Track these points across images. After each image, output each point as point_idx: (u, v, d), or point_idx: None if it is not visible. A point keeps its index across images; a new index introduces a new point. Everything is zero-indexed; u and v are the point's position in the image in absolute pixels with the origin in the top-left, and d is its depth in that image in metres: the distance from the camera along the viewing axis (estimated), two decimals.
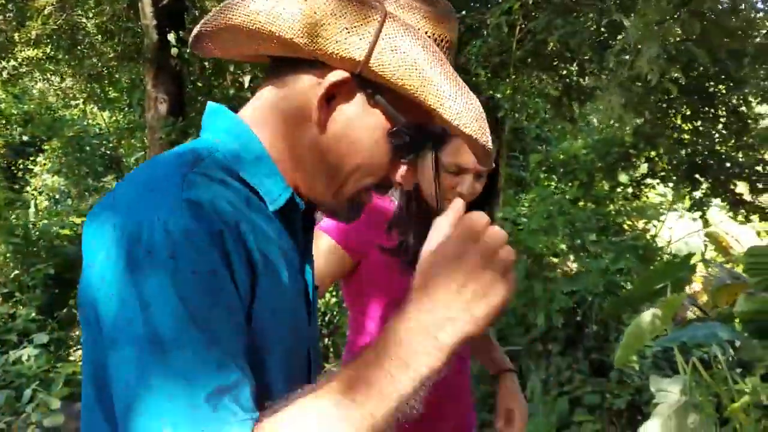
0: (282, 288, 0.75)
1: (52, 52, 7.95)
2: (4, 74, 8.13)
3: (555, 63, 5.91)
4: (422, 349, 0.64)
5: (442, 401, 1.50)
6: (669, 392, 2.31)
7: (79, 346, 4.81)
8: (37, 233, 5.74)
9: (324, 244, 1.47)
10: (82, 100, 9.07)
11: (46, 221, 6.25)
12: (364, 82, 0.74)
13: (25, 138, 10.81)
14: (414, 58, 0.70)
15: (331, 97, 0.75)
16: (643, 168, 5.93)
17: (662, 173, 5.58)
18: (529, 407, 3.83)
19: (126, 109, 9.19)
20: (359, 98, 0.75)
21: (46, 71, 8.42)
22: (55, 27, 7.01)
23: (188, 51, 6.57)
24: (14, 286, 5.01)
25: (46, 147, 9.99)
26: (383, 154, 0.77)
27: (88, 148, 9.35)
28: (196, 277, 0.63)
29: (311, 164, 0.79)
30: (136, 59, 7.23)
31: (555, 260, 4.58)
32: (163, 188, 0.67)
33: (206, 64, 7.06)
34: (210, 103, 0.83)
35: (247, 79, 6.73)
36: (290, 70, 0.76)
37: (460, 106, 0.72)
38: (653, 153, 5.47)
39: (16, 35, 7.15)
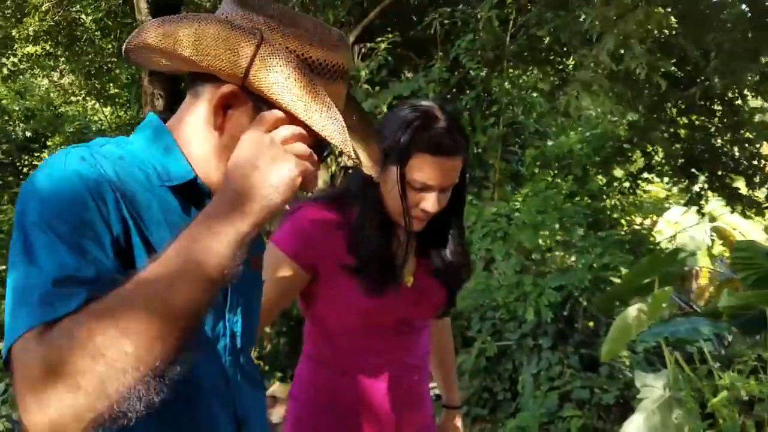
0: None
1: (51, 49, 7.99)
2: (5, 71, 8.16)
3: (551, 57, 5.90)
4: (228, 217, 0.74)
5: (403, 410, 1.51)
6: (653, 387, 2.29)
7: None
8: None
9: (273, 256, 1.41)
10: (82, 96, 9.10)
11: None
12: (251, 93, 0.85)
13: (28, 134, 10.89)
14: (285, 76, 0.82)
15: (228, 105, 0.87)
16: (640, 162, 5.91)
17: (659, 168, 5.56)
18: (520, 402, 3.87)
19: (127, 104, 9.23)
20: (249, 107, 0.86)
21: (46, 67, 8.46)
22: (53, 23, 7.03)
23: None
24: None
25: (49, 143, 10.07)
26: None
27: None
28: (66, 211, 0.77)
29: (215, 162, 0.90)
30: None
31: (549, 255, 4.58)
32: (56, 155, 0.83)
33: None
34: (149, 114, 0.96)
35: None
36: (198, 83, 0.89)
37: (324, 120, 0.82)
38: (649, 147, 5.45)
39: (14, 32, 7.18)
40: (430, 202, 1.35)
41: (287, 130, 0.80)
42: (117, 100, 9.44)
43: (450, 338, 1.76)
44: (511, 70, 5.85)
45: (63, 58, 8.15)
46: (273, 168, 0.76)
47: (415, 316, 1.51)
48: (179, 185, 0.89)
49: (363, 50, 5.51)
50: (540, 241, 4.23)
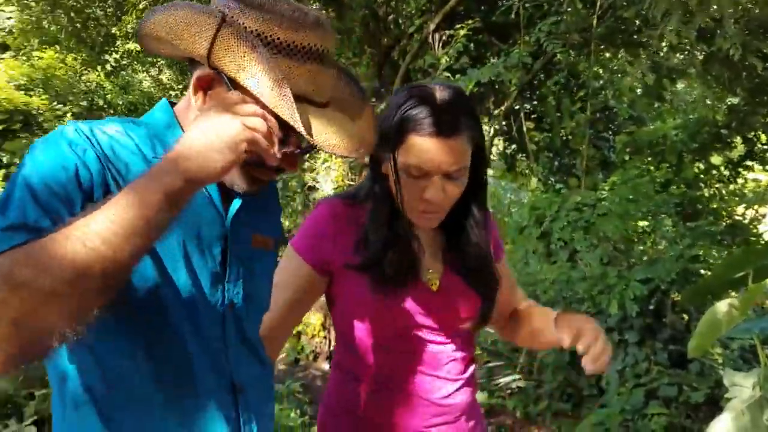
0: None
1: None
2: (108, 67, 8.64)
3: (644, 40, 5.62)
4: (164, 173, 0.78)
5: (430, 424, 1.38)
6: (743, 387, 2.16)
7: None
8: None
9: (288, 257, 1.37)
10: (179, 90, 9.51)
11: None
12: (222, 74, 0.90)
13: None
14: (241, 55, 0.86)
15: (208, 87, 0.93)
16: (741, 149, 5.54)
17: (761, 154, 5.19)
18: (604, 398, 3.74)
19: None
20: (224, 87, 0.91)
21: (145, 63, 8.89)
22: None
23: None
24: None
25: None
26: None
27: None
28: (48, 173, 0.85)
29: None
30: None
31: (635, 246, 4.39)
32: (60, 126, 0.92)
33: None
34: (163, 99, 1.05)
35: None
36: (191, 67, 0.95)
37: (274, 96, 0.85)
38: (751, 133, 5.10)
39: (114, 29, 7.59)
40: (431, 191, 1.21)
41: (241, 102, 0.84)
42: None
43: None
44: (602, 54, 5.63)
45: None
46: (215, 130, 0.79)
47: (440, 324, 1.35)
48: None
49: (443, 38, 5.45)
50: (627, 231, 4.06)
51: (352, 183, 5.54)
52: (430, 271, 1.36)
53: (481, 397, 4.00)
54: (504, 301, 1.48)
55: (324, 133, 0.91)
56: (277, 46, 0.89)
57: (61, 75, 10.99)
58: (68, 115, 10.87)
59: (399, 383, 1.36)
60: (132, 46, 8.42)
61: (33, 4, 7.75)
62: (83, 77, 11.34)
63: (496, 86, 5.93)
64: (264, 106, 0.85)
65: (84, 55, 8.59)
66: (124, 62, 8.84)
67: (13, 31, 9.07)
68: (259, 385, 1.07)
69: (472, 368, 1.44)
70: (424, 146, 1.19)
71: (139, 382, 0.92)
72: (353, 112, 1.00)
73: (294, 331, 5.37)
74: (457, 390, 1.38)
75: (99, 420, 0.91)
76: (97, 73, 9.42)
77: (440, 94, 1.23)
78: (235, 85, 0.88)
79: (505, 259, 1.53)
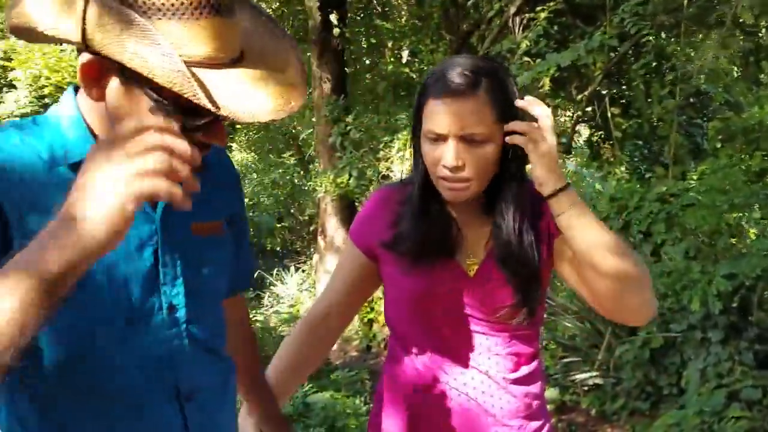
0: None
1: None
2: None
3: (740, 20, 5.25)
4: (42, 254, 0.65)
5: (467, 417, 1.32)
6: None
7: None
8: None
9: (348, 247, 1.41)
10: None
11: None
12: (107, 59, 0.76)
13: None
14: (118, 32, 0.73)
15: (100, 75, 0.80)
16: None
17: None
18: (683, 399, 3.54)
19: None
20: (115, 73, 0.80)
21: None
22: None
23: (349, 31, 6.81)
24: None
25: (238, 126, 11.00)
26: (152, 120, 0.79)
27: (271, 126, 10.12)
28: None
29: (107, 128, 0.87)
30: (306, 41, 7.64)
31: (730, 241, 4.12)
32: None
33: (367, 42, 7.27)
34: (70, 86, 0.93)
35: (405, 53, 6.82)
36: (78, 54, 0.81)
37: (156, 63, 0.72)
38: None
39: None
40: (446, 154, 1.17)
41: (134, 132, 0.68)
42: None
43: None
44: (690, 36, 5.31)
45: None
46: (96, 195, 0.66)
47: (478, 315, 1.30)
48: (79, 162, 0.76)
49: (524, 21, 5.30)
50: (714, 224, 3.82)
51: None
52: (471, 256, 1.31)
53: (552, 393, 3.89)
54: (580, 277, 1.31)
55: (237, 97, 0.77)
56: (159, 9, 0.75)
57: None
58: None
59: (436, 374, 1.33)
60: None
61: None
62: None
63: (582, 70, 5.72)
64: (160, 87, 0.75)
65: None
66: None
67: None
68: (218, 384, 1.03)
69: (527, 369, 1.33)
70: (436, 108, 1.18)
71: (70, 406, 0.87)
72: (276, 61, 0.85)
73: (365, 319, 5.43)
74: (501, 390, 1.31)
75: None
76: None
77: (460, 60, 1.21)
78: (123, 68, 0.76)
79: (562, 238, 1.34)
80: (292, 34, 7.67)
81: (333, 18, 6.27)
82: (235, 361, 1.16)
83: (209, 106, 0.74)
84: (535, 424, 1.35)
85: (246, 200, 8.30)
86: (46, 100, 9.97)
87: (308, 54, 6.39)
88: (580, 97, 5.95)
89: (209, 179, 0.95)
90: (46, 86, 9.97)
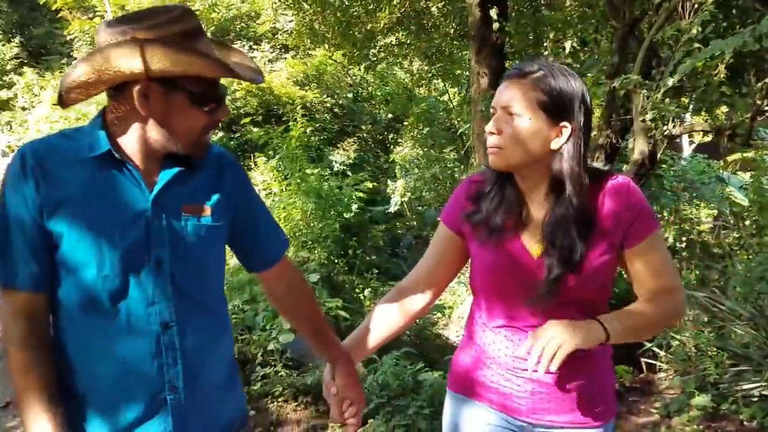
0: (83, 201, 1.30)
1: (403, 38, 8.94)
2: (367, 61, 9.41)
3: None
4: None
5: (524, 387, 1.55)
6: None
7: None
8: (331, 194, 6.78)
9: (439, 225, 1.66)
10: (428, 78, 9.97)
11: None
12: (156, 79, 1.25)
13: (389, 115, 12.50)
14: (174, 56, 1.23)
15: (147, 94, 1.27)
16: None
17: None
18: None
19: (467, 83, 9.82)
20: (159, 89, 1.28)
21: (399, 56, 9.49)
22: (399, 15, 7.86)
23: (511, 24, 6.75)
24: (312, 235, 6.04)
25: (405, 122, 11.38)
26: (191, 114, 1.33)
27: (435, 122, 10.34)
28: (8, 198, 1.30)
29: (167, 136, 1.34)
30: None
31: None
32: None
33: (534, 33, 7.14)
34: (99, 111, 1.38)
35: (567, 44, 6.61)
36: (112, 92, 1.31)
37: (206, 64, 1.25)
38: None
39: (371, 25, 8.24)
40: (491, 123, 1.44)
41: None
42: (461, 80, 10.10)
43: None
44: None
45: (413, 46, 9.03)
46: None
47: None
48: (99, 155, 1.31)
49: (694, 5, 4.93)
50: None
51: None
52: (535, 239, 1.48)
53: (704, 400, 3.64)
54: (638, 290, 1.51)
55: (236, 61, 1.38)
56: (183, 35, 1.26)
57: (330, 70, 12.26)
58: (335, 108, 12.11)
59: (502, 333, 1.55)
60: (388, 40, 9.09)
61: (306, 6, 8.72)
62: (349, 72, 12.50)
63: (766, 56, 5.19)
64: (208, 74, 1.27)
65: (348, 51, 9.45)
66: (381, 55, 9.53)
67: (292, 32, 10.33)
68: (199, 331, 1.39)
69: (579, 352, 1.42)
70: (498, 89, 1.48)
71: (77, 314, 1.33)
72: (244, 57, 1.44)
73: None
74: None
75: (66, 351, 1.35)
76: (358, 68, 10.30)
77: (527, 61, 1.49)
78: (168, 81, 1.26)
79: (646, 246, 1.47)
80: (455, 30, 7.75)
81: (493, 13, 6.27)
82: (298, 320, 1.70)
83: (233, 73, 1.31)
84: (580, 381, 1.52)
85: (408, 194, 8.56)
86: (238, 103, 11.04)
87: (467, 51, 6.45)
88: (760, 85, 5.40)
89: (203, 173, 1.43)
90: (238, 90, 10.99)
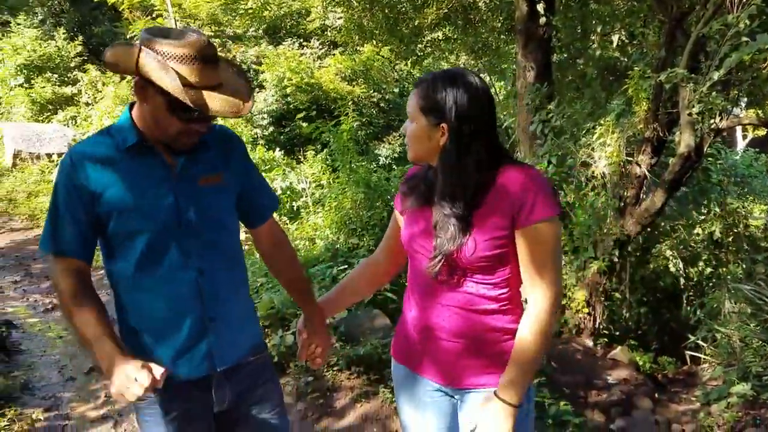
0: (127, 186, 1.65)
1: (450, 33, 9.05)
2: (414, 56, 9.55)
3: None
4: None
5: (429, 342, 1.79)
6: None
7: None
8: (379, 185, 6.97)
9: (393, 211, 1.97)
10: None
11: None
12: (144, 79, 1.57)
13: None
14: (150, 64, 1.54)
15: (144, 89, 1.60)
16: None
17: None
18: None
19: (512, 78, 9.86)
20: (149, 89, 1.59)
21: (445, 50, 9.60)
22: (446, 11, 7.98)
23: (559, 18, 6.80)
24: (361, 223, 6.24)
25: None
26: (167, 118, 1.62)
27: None
28: (60, 188, 1.67)
29: (153, 125, 1.66)
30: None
31: None
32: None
33: (582, 26, 7.17)
34: (127, 105, 1.73)
35: (615, 38, 6.63)
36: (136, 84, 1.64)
37: (162, 77, 1.52)
38: None
39: (418, 21, 8.38)
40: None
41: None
42: (507, 74, 10.15)
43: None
44: None
45: (459, 40, 9.13)
46: (111, 372, 1.49)
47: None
48: (130, 147, 1.66)
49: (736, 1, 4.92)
50: None
51: (629, 158, 5.39)
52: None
53: (744, 388, 3.70)
54: (523, 265, 1.67)
55: (217, 105, 1.57)
56: (174, 57, 1.55)
57: (377, 66, 12.45)
58: (381, 103, 12.28)
59: (417, 300, 1.81)
60: (435, 35, 9.22)
61: (355, 3, 8.92)
62: (396, 67, 12.66)
63: None
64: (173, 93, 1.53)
65: (395, 46, 9.62)
66: (428, 51, 9.66)
67: (341, 29, 10.54)
68: (225, 274, 1.77)
69: (488, 304, 1.69)
70: None
71: (133, 272, 1.69)
72: (240, 93, 1.64)
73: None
74: (451, 315, 1.72)
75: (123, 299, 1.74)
76: (405, 63, 10.45)
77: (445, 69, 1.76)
78: (153, 83, 1.55)
79: (532, 230, 1.62)
80: (502, 24, 7.81)
81: (539, 7, 6.35)
82: (281, 273, 2.06)
83: (188, 102, 1.53)
84: (483, 346, 1.72)
85: None
86: (288, 99, 11.34)
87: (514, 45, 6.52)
88: None
89: (211, 146, 1.76)
90: (288, 86, 11.32)
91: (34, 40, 13.22)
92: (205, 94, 1.56)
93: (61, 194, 1.66)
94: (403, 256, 1.92)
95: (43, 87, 12.48)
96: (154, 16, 11.59)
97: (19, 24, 13.65)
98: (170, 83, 1.51)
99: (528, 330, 1.64)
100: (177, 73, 1.53)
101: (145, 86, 1.59)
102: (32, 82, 12.65)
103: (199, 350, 1.74)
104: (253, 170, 1.93)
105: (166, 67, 1.52)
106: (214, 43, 1.68)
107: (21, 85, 12.74)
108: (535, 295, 1.64)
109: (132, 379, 1.43)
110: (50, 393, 4.03)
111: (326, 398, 3.75)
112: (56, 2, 14.64)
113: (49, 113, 12.41)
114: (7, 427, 3.51)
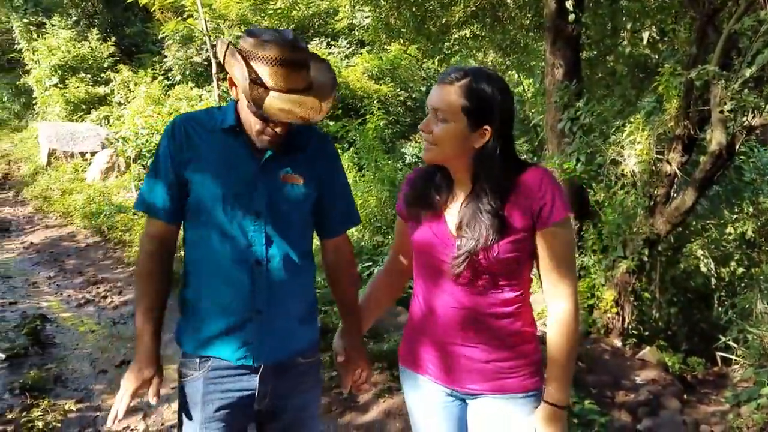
0: (211, 161, 1.73)
1: (478, 31, 9.01)
2: (440, 54, 9.52)
3: None
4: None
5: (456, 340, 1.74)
6: None
7: None
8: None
9: (397, 220, 1.92)
10: (502, 71, 10.00)
11: None
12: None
13: None
14: (232, 62, 1.64)
15: (233, 86, 1.70)
16: None
17: None
18: None
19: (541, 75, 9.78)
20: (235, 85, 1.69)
21: (473, 48, 9.56)
22: (473, 8, 7.95)
23: (589, 15, 6.73)
24: (386, 221, 6.25)
25: None
26: (250, 115, 1.70)
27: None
28: (160, 150, 1.78)
29: (243, 117, 1.75)
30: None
31: None
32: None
33: (612, 24, 7.08)
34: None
35: (645, 35, 6.54)
36: None
37: (237, 75, 1.61)
38: None
39: (445, 19, 8.36)
40: (423, 121, 1.66)
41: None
42: (536, 72, 10.07)
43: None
44: None
45: (487, 38, 9.08)
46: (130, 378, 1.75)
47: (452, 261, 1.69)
48: (227, 128, 1.74)
49: None
50: None
51: (660, 156, 5.32)
52: (455, 219, 1.68)
53: None
54: (541, 271, 1.69)
55: (275, 107, 1.59)
56: (257, 58, 1.60)
57: (405, 65, 12.46)
58: (408, 101, 12.28)
59: (428, 305, 1.76)
60: (463, 33, 9.18)
61: (383, 2, 8.92)
62: (423, 65, 12.65)
63: None
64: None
65: (423, 45, 9.60)
66: (455, 48, 9.63)
67: (368, 28, 10.57)
68: (284, 271, 1.76)
69: (505, 308, 1.68)
70: (432, 89, 1.67)
71: (201, 254, 1.77)
72: (323, 92, 1.66)
73: (586, 305, 5.44)
74: (470, 320, 1.68)
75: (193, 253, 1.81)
76: (432, 61, 10.44)
77: (472, 67, 1.66)
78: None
79: (553, 231, 1.63)
80: (531, 21, 7.74)
81: (568, 4, 6.29)
82: (337, 292, 2.00)
83: (248, 100, 1.60)
84: (501, 353, 1.70)
85: None
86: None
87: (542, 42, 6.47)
88: None
89: (303, 148, 1.80)
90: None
91: (68, 41, 13.51)
92: (275, 95, 1.59)
93: (161, 155, 1.76)
94: (410, 265, 1.91)
95: (77, 87, 12.75)
96: (185, 16, 11.74)
97: (53, 25, 13.96)
98: (240, 79, 1.59)
99: (561, 331, 1.65)
100: (256, 73, 1.59)
101: (232, 80, 1.68)
102: (66, 82, 12.93)
103: (238, 338, 1.75)
104: (340, 182, 1.91)
105: (240, 64, 1.59)
106: (305, 46, 1.67)
107: (56, 86, 13.03)
108: (560, 296, 1.66)
109: (128, 392, 1.72)
110: (82, 385, 4.13)
111: (350, 393, 3.78)
112: (89, 4, 14.94)
113: (82, 113, 12.67)
114: (40, 417, 3.60)
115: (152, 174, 1.78)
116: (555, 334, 1.65)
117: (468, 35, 9.19)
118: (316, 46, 12.94)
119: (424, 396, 1.83)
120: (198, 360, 1.78)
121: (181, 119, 1.78)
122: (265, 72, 1.59)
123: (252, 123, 1.70)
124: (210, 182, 1.72)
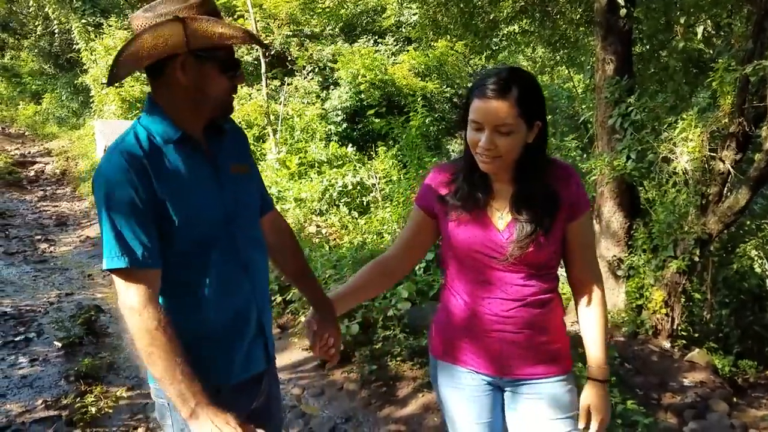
0: (180, 180, 1.55)
1: (527, 26, 8.92)
2: (488, 50, 9.46)
3: None
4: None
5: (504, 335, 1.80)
6: None
7: None
8: None
9: (413, 209, 1.93)
10: (550, 66, 9.86)
11: None
12: (192, 51, 1.49)
13: None
14: (205, 28, 1.49)
15: (184, 67, 1.51)
16: None
17: None
18: None
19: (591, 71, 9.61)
20: (192, 60, 1.51)
21: (521, 44, 9.46)
22: (522, 3, 7.86)
23: (641, 10, 6.57)
24: None
25: None
26: (220, 80, 1.57)
27: (557, 110, 10.22)
28: (111, 194, 1.47)
29: (192, 105, 1.59)
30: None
31: None
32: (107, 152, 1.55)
33: (666, 18, 6.91)
34: (148, 94, 1.60)
35: (700, 30, 6.34)
36: (160, 66, 1.53)
37: (228, 32, 1.49)
38: None
39: (493, 15, 8.29)
40: (482, 140, 1.64)
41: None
42: (586, 67, 9.90)
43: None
44: None
45: (536, 33, 8.97)
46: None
47: (501, 256, 1.75)
48: (175, 140, 1.57)
49: None
50: None
51: (713, 153, 5.17)
52: (499, 215, 1.76)
53: None
54: (572, 260, 1.82)
55: (216, 30, 1.47)
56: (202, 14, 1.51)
57: (451, 61, 12.40)
58: (454, 98, 12.22)
59: (471, 298, 1.82)
60: (512, 28, 9.10)
61: None
62: (470, 62, 12.58)
63: None
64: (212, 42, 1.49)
65: (470, 41, 9.55)
66: (503, 44, 9.55)
67: (416, 25, 10.57)
68: (260, 263, 1.75)
69: (545, 296, 1.79)
70: (479, 105, 1.64)
71: (193, 277, 1.61)
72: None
73: (634, 305, 5.33)
74: (516, 308, 1.77)
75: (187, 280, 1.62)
76: (479, 57, 10.37)
77: (501, 70, 1.65)
78: (202, 52, 1.49)
79: (584, 221, 1.78)
80: (581, 16, 7.61)
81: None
82: (284, 262, 1.97)
83: (249, 42, 1.55)
84: (543, 338, 1.81)
85: None
86: (362, 95, 11.47)
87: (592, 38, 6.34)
88: None
89: (229, 136, 1.71)
90: (362, 83, 11.45)
91: (124, 42, 13.88)
92: (205, 20, 1.51)
93: (119, 198, 1.46)
94: (420, 253, 2.01)
95: (132, 86, 13.11)
96: (236, 17, 11.95)
97: (110, 26, 14.40)
98: (240, 32, 1.50)
99: (601, 312, 1.82)
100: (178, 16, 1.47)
101: (191, 62, 1.50)
102: (122, 81, 13.30)
103: (258, 345, 1.74)
104: (255, 164, 1.88)
105: (226, 23, 1.48)
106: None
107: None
108: (592, 283, 1.83)
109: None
110: (133, 374, 4.27)
111: (389, 387, 3.82)
112: (144, 5, 15.32)
113: (136, 111, 13.03)
114: (93, 402, 3.75)
115: (116, 221, 1.46)
116: (596, 315, 1.82)
117: (517, 31, 9.10)
118: (363, 44, 13.00)
119: (464, 387, 1.89)
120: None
121: (125, 153, 1.49)
122: (184, 12, 1.49)
123: (222, 91, 1.58)
124: (181, 199, 1.54)
